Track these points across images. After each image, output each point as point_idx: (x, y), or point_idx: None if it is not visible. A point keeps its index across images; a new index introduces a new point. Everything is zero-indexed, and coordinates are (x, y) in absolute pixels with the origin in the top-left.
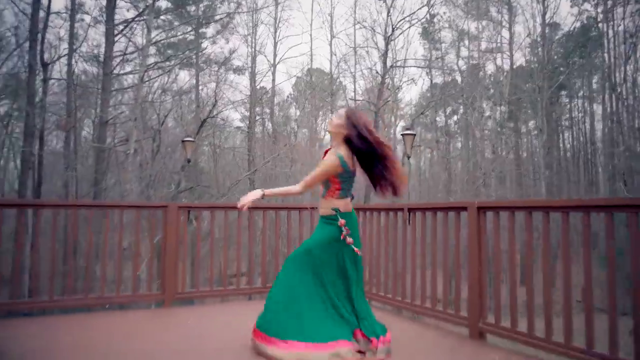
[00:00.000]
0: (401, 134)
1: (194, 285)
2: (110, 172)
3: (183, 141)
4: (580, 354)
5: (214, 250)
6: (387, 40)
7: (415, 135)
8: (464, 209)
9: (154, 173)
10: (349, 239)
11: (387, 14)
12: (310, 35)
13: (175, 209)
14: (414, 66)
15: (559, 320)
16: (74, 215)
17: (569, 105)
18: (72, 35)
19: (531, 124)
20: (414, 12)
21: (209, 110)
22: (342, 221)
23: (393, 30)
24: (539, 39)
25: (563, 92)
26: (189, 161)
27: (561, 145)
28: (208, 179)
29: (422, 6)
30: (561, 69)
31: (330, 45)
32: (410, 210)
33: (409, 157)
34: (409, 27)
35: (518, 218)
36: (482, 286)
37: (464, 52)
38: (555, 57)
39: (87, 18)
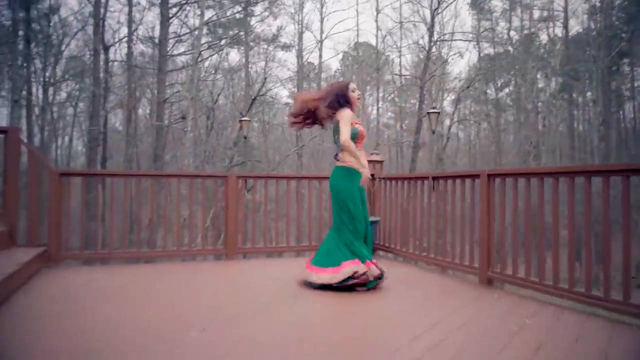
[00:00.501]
0: (427, 112)
1: (251, 242)
2: (168, 149)
3: (240, 120)
4: (562, 292)
5: (267, 215)
6: (433, 13)
7: (439, 113)
8: (477, 176)
9: (208, 149)
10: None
11: None
12: (357, 10)
13: (235, 177)
14: (460, 40)
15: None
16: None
17: (630, 74)
18: (130, 19)
19: (588, 95)
20: None
21: (258, 88)
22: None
23: (439, 2)
24: (597, 4)
25: (625, 60)
26: (245, 138)
27: (621, 116)
28: (258, 154)
29: None
30: (622, 35)
31: (376, 20)
32: (434, 178)
33: (433, 132)
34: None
35: (524, 183)
36: (490, 241)
37: (516, 22)
38: (617, 22)
39: (143, 1)
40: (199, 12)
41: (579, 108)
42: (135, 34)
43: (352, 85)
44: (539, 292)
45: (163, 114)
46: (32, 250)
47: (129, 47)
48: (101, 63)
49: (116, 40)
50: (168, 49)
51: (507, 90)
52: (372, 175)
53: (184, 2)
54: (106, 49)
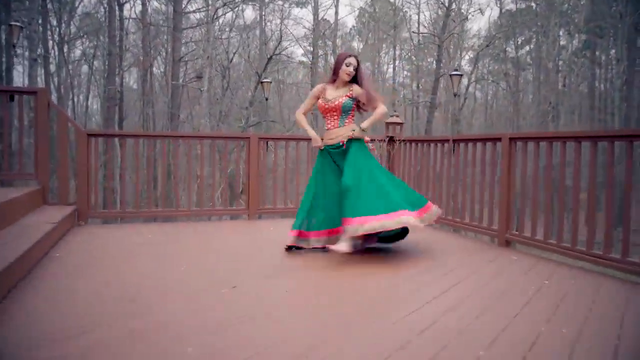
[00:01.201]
0: (449, 74)
1: (271, 203)
2: (183, 108)
3: (261, 82)
4: (580, 254)
5: (288, 176)
6: None
7: (462, 76)
8: (499, 139)
9: (224, 108)
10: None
11: None
12: None
13: (257, 139)
14: None
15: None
16: (174, 144)
17: None
18: None
19: (612, 53)
20: None
21: (274, 47)
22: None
23: None
24: None
25: None
26: (266, 99)
27: None
28: (273, 114)
29: None
30: None
31: None
32: (454, 141)
33: (455, 95)
34: None
35: (545, 147)
36: (509, 203)
37: None
38: None
39: None
40: None
41: (602, 67)
42: None
43: (349, 60)
44: (556, 253)
45: (178, 73)
46: (63, 208)
47: (144, 4)
48: (116, 21)
49: None
50: (183, 5)
51: (527, 48)
52: (392, 137)
53: None
54: (120, 5)
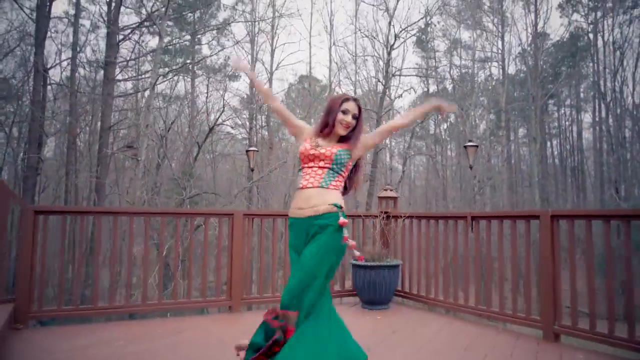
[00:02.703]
0: (464, 146)
1: (258, 292)
2: (109, 179)
3: (247, 151)
4: None
5: (275, 258)
6: (390, 49)
7: (477, 146)
8: (536, 217)
9: (160, 180)
10: (351, 242)
11: (389, 23)
12: (310, 43)
13: (241, 216)
14: (415, 75)
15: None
16: (129, 221)
17: (557, 114)
18: (76, 42)
19: (521, 132)
20: (415, 23)
21: (216, 118)
22: (344, 220)
23: (396, 39)
24: (529, 49)
25: (551, 101)
26: (252, 170)
27: (549, 153)
28: (209, 187)
29: (422, 17)
30: (550, 78)
31: (330, 52)
32: (473, 218)
33: (471, 168)
34: (410, 36)
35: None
36: (556, 290)
37: (457, 60)
38: (544, 66)
39: (87, 24)
40: (149, 38)
41: (512, 143)
42: (79, 57)
43: (347, 105)
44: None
45: (107, 142)
46: None
47: (72, 71)
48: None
49: (56, 62)
50: (116, 73)
51: (444, 125)
52: (387, 212)
53: (139, 24)
54: (45, 71)
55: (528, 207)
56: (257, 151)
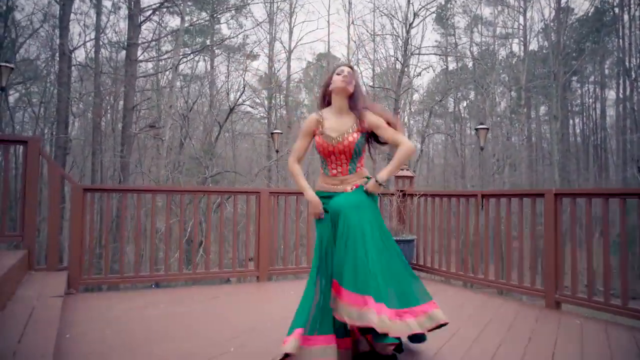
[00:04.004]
0: (475, 129)
1: (283, 263)
2: (133, 158)
3: (272, 133)
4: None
5: (299, 233)
6: (409, 27)
7: (488, 129)
8: (541, 195)
9: (183, 159)
10: None
11: (408, 1)
12: (328, 21)
13: (267, 194)
14: (434, 54)
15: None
16: (168, 198)
17: (580, 91)
18: (99, 23)
19: (542, 109)
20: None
21: (236, 98)
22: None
23: (415, 16)
24: (552, 25)
25: (574, 78)
26: (277, 151)
27: (571, 131)
28: (230, 165)
29: None
30: (574, 54)
31: (348, 31)
32: (483, 196)
33: (482, 149)
34: (429, 14)
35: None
36: (558, 262)
37: (478, 37)
38: (568, 42)
39: (109, 4)
40: (169, 19)
41: (533, 122)
42: (102, 37)
43: (338, 70)
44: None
45: (131, 122)
46: (53, 275)
47: (97, 51)
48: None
49: (79, 43)
50: (138, 54)
51: (465, 103)
52: (403, 191)
53: (159, 4)
54: (71, 52)
55: (547, 186)
56: (282, 133)
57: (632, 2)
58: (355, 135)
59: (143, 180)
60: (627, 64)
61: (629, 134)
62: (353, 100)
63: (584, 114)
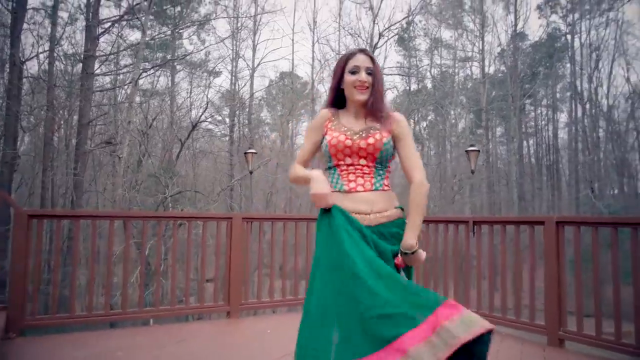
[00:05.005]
0: (466, 150)
1: (255, 296)
2: (86, 176)
3: (246, 153)
4: None
5: (274, 263)
6: (374, 48)
7: (479, 151)
8: (540, 223)
9: (141, 177)
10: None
11: (373, 21)
12: (292, 39)
13: (240, 219)
14: (397, 74)
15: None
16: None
17: (533, 114)
18: (54, 34)
19: (498, 130)
20: (398, 21)
21: (199, 115)
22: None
23: (380, 37)
24: (508, 49)
25: (527, 101)
26: (251, 172)
27: (525, 152)
28: (190, 184)
29: (406, 16)
30: (527, 78)
31: (312, 49)
32: (475, 222)
33: (473, 172)
34: (393, 35)
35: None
36: (561, 295)
37: (438, 59)
38: (522, 66)
39: (66, 16)
40: (129, 32)
41: (495, 144)
42: (57, 48)
43: (353, 62)
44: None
45: (86, 138)
46: None
47: (51, 63)
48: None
49: (32, 54)
50: (95, 67)
51: (424, 124)
52: None
53: (119, 17)
54: (22, 63)
55: (507, 207)
56: (256, 153)
57: (582, 29)
58: (384, 133)
59: (98, 200)
60: (578, 87)
61: (580, 155)
62: (376, 103)
63: (537, 136)
